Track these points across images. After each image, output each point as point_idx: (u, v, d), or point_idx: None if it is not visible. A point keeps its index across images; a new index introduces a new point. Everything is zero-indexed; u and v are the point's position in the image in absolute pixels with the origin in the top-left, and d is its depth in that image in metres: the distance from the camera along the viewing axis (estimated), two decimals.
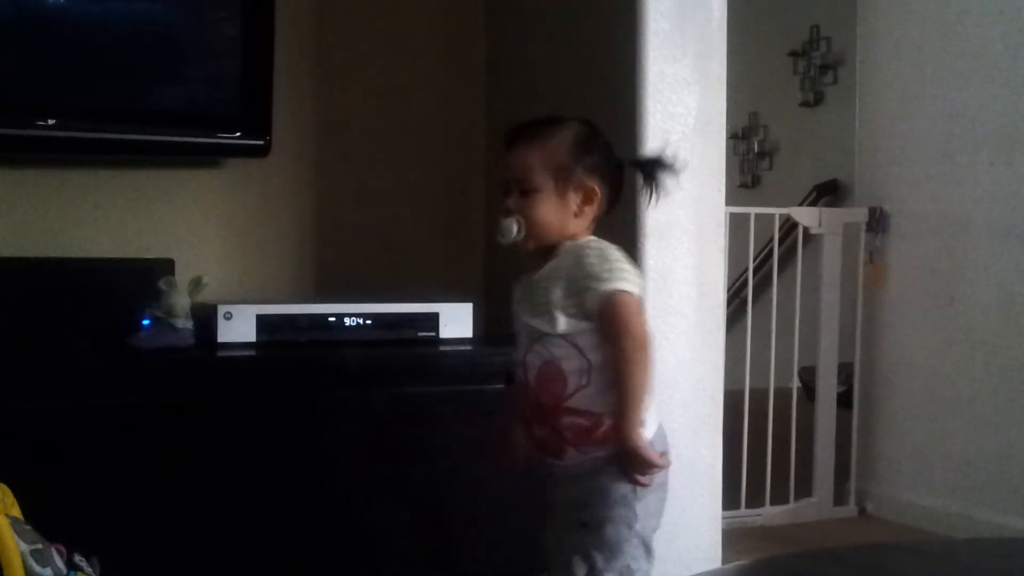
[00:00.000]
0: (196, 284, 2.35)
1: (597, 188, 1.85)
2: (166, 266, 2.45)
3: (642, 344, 1.77)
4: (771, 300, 3.57)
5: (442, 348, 2.43)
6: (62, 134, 2.40)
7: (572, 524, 1.82)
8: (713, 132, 2.48)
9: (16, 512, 1.76)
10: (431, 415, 2.29)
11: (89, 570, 1.85)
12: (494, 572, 2.44)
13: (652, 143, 2.37)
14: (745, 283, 3.61)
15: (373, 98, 2.86)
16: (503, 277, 2.87)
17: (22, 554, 1.71)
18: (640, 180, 1.93)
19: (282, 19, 2.59)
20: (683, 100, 2.43)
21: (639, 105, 2.39)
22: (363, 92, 2.85)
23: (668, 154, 1.92)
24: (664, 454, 1.79)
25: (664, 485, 1.85)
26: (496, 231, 1.86)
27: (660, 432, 1.86)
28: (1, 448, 1.92)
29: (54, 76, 2.41)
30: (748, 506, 3.42)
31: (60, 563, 1.78)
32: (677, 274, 2.43)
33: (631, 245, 2.38)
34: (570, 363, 1.79)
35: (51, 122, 2.38)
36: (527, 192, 1.83)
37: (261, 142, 2.56)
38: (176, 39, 2.54)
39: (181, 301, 2.30)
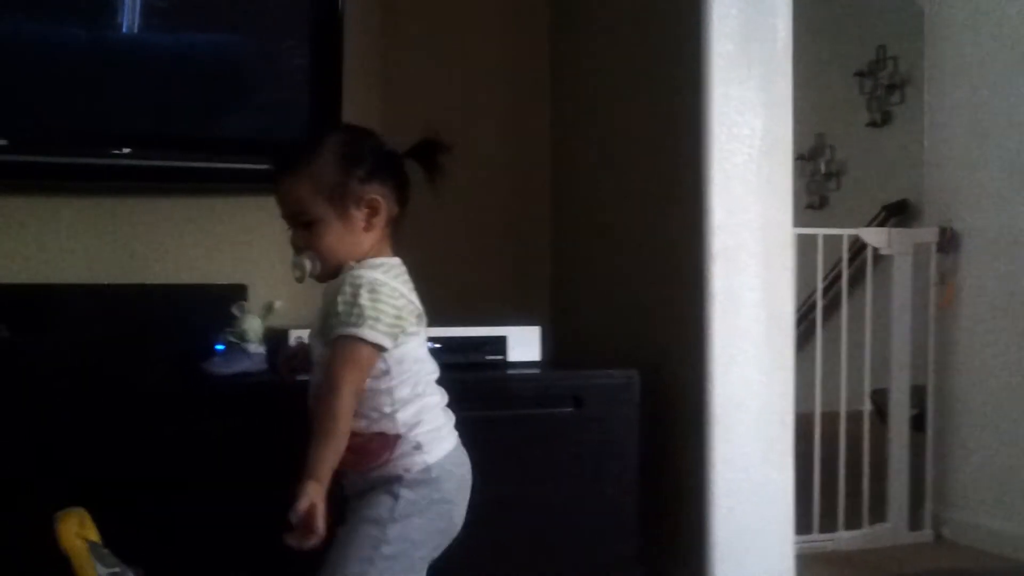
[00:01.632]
0: (268, 309, 2.38)
1: (378, 196, 1.77)
2: (239, 292, 2.49)
3: (339, 403, 1.66)
4: (840, 322, 3.53)
5: (510, 372, 2.43)
6: (135, 163, 2.44)
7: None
8: (779, 153, 2.46)
9: (94, 536, 1.79)
10: (498, 438, 2.29)
11: None
12: None
13: (717, 166, 2.37)
14: (814, 305, 3.57)
15: (439, 121, 2.87)
16: (570, 300, 2.90)
17: None
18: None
19: (349, 46, 2.62)
20: (748, 122, 2.42)
21: (703, 127, 2.38)
22: (429, 115, 2.85)
23: (433, 135, 1.89)
24: (313, 525, 1.61)
25: (441, 515, 1.78)
26: (292, 270, 1.78)
27: (447, 466, 1.78)
28: (80, 472, 1.96)
29: (129, 106, 2.46)
30: (821, 531, 3.37)
31: None
32: (744, 296, 2.41)
33: (697, 268, 2.38)
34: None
35: (125, 151, 2.43)
36: (308, 225, 1.75)
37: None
38: (246, 68, 2.58)
39: (254, 326, 2.33)
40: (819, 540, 3.37)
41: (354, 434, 1.70)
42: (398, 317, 1.72)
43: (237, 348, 2.30)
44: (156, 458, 2.04)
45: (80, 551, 1.75)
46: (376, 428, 1.73)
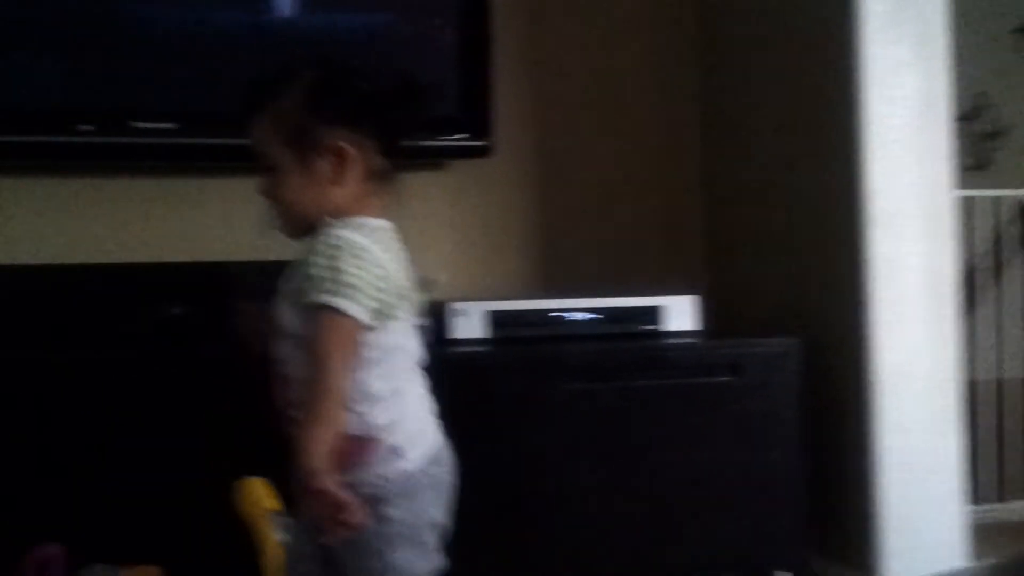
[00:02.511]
0: (429, 283, 2.42)
1: (348, 143, 1.50)
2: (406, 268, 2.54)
3: (330, 376, 1.42)
4: (1008, 286, 3.42)
5: (666, 341, 2.43)
6: None
7: (333, 563, 1.55)
8: (937, 114, 2.40)
9: (275, 505, 1.85)
10: (656, 408, 2.30)
11: None
12: (718, 565, 2.44)
13: (873, 128, 2.32)
14: (976, 268, 3.46)
15: (590, 94, 2.89)
16: (726, 269, 2.87)
17: (279, 545, 1.80)
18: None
19: (499, 21, 2.63)
20: (903, 82, 2.36)
21: (857, 89, 2.33)
22: (580, 89, 2.88)
23: (412, 79, 1.54)
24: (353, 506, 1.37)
25: (427, 529, 1.55)
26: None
27: (430, 470, 1.56)
28: (248, 444, 2.03)
29: None
30: (996, 500, 3.28)
31: None
32: (906, 261, 2.36)
33: (856, 233, 2.33)
34: (295, 368, 1.50)
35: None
36: (269, 170, 1.52)
37: (484, 143, 2.62)
38: (398, 46, 2.61)
39: (417, 300, 2.37)
40: (993, 509, 3.28)
41: None
42: (380, 290, 1.47)
43: None
44: None
45: (258, 518, 1.81)
46: (350, 429, 1.47)
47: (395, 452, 1.51)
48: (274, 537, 1.76)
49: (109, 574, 1.85)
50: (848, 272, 2.37)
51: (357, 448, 1.49)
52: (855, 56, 2.34)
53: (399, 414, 1.53)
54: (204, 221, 2.62)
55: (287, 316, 1.49)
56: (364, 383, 1.48)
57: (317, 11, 2.57)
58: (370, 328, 1.46)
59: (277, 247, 2.51)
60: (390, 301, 1.50)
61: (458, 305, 2.39)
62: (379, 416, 1.51)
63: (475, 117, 2.61)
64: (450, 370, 2.26)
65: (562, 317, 2.43)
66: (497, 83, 2.62)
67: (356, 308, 1.43)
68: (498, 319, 2.40)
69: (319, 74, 1.54)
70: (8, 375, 2.10)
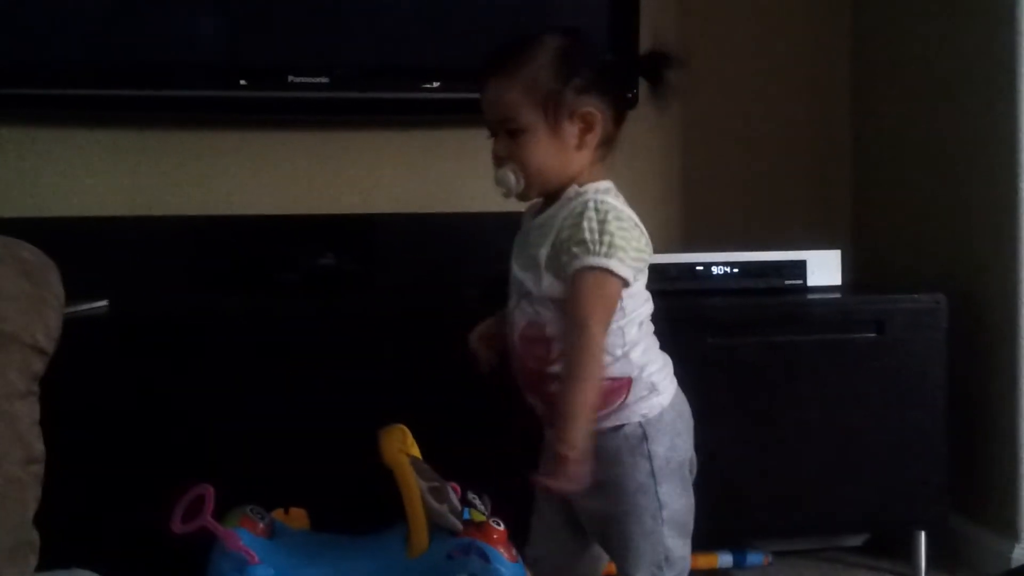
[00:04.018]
0: None
1: (596, 110, 1.57)
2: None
3: (594, 337, 1.50)
4: None
5: (810, 296, 2.41)
6: (443, 96, 2.55)
7: (594, 509, 1.63)
8: None
9: (416, 452, 1.91)
10: (799, 364, 2.29)
11: (481, 507, 1.97)
12: (857, 524, 2.43)
13: None
14: None
15: (737, 45, 2.86)
16: (871, 223, 2.83)
17: (421, 491, 1.86)
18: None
19: None
20: None
21: (1019, 34, 2.25)
22: (726, 39, 2.86)
23: (662, 47, 1.63)
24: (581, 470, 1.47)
25: (685, 463, 1.65)
26: (496, 185, 1.60)
27: (677, 405, 1.64)
28: (400, 391, 2.09)
29: (436, 41, 2.56)
30: None
31: (455, 500, 1.91)
32: None
33: (1010, 187, 2.27)
34: (554, 326, 1.56)
35: (435, 84, 2.54)
36: (514, 133, 1.56)
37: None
38: None
39: None
40: None
41: None
42: (639, 250, 1.55)
43: None
44: (465, 377, 2.15)
45: (403, 465, 1.88)
46: (610, 372, 1.56)
47: (653, 388, 1.61)
48: (417, 481, 1.82)
49: (259, 514, 1.93)
50: (1001, 227, 2.31)
51: (619, 388, 1.59)
52: (1018, 3, 2.26)
53: (649, 354, 1.62)
54: (352, 174, 2.69)
55: (546, 281, 1.55)
56: (622, 328, 1.57)
57: None
58: (631, 284, 1.55)
59: (419, 200, 2.58)
60: (645, 258, 1.59)
61: None
62: (637, 357, 1.60)
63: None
64: None
65: (703, 271, 2.42)
66: (643, 33, 2.62)
67: (624, 269, 1.51)
68: None
69: (566, 41, 1.59)
70: (173, 319, 2.21)
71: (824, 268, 2.47)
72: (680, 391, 1.67)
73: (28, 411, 1.44)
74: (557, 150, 1.57)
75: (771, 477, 2.28)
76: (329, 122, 2.67)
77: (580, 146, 1.58)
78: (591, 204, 1.53)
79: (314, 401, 2.12)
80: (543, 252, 1.55)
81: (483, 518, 1.95)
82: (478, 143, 2.68)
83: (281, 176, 2.66)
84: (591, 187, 1.58)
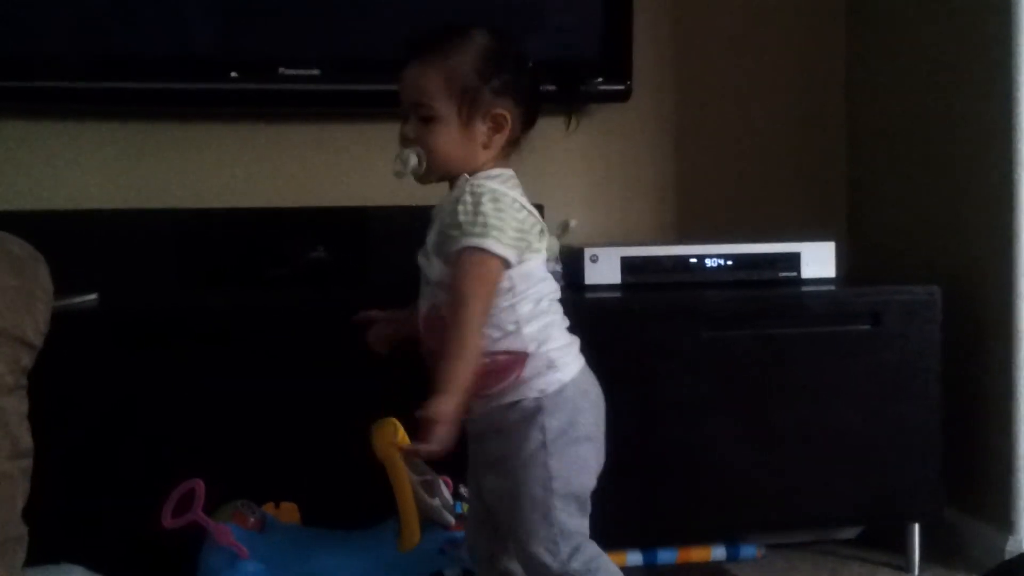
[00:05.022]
0: (564, 227, 2.43)
1: (507, 114, 1.60)
2: (537, 211, 2.55)
3: (471, 314, 1.52)
4: None
5: (804, 288, 2.41)
6: None
7: (494, 488, 1.63)
8: None
9: (407, 444, 1.91)
10: (793, 356, 2.28)
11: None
12: (852, 517, 2.42)
13: None
14: None
15: (730, 37, 2.85)
16: (866, 214, 2.82)
17: (413, 485, 1.85)
18: None
19: None
20: None
21: (1014, 25, 2.24)
22: (720, 31, 2.85)
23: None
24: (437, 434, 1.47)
25: (591, 439, 1.64)
26: (393, 163, 1.62)
27: (581, 383, 1.64)
28: (391, 385, 2.08)
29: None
30: None
31: (447, 494, 1.91)
32: None
33: (1006, 177, 2.26)
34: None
35: None
36: (426, 120, 1.58)
37: (622, 87, 2.61)
38: None
39: (552, 244, 2.39)
40: None
41: (487, 354, 1.58)
42: (521, 230, 1.57)
43: None
44: None
45: (395, 459, 1.87)
46: (501, 346, 1.59)
47: (551, 364, 1.61)
48: (408, 475, 1.82)
49: (250, 509, 1.93)
50: (996, 218, 2.30)
51: (512, 364, 1.59)
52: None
53: (548, 331, 1.62)
54: (344, 166, 2.68)
55: (436, 266, 1.59)
56: (513, 306, 1.59)
57: None
58: (512, 263, 1.56)
59: (415, 193, 2.56)
60: (529, 238, 1.60)
61: (593, 250, 2.40)
62: (533, 333, 1.60)
63: (614, 61, 2.60)
64: (584, 316, 2.28)
65: (697, 263, 2.42)
66: (637, 26, 2.61)
67: (500, 247, 1.53)
68: (633, 265, 2.41)
69: (492, 41, 1.62)
70: (163, 313, 2.20)
71: (818, 260, 2.46)
72: (589, 372, 1.68)
73: (16, 405, 1.44)
74: (464, 144, 1.60)
75: (765, 470, 2.27)
76: (321, 114, 2.66)
77: (487, 145, 1.61)
78: (467, 188, 1.57)
79: (305, 395, 2.11)
80: (431, 239, 1.61)
81: None
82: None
83: (272, 169, 2.65)
84: (481, 175, 1.60)
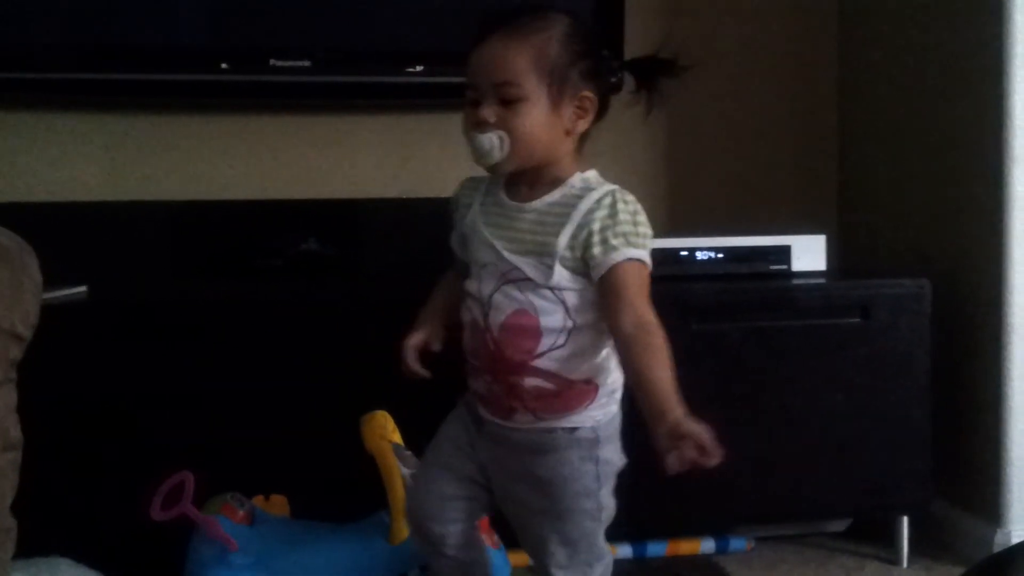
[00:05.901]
0: None
1: (592, 99, 1.54)
2: None
3: (654, 322, 1.46)
4: None
5: (794, 281, 2.41)
6: (427, 80, 2.51)
7: (529, 502, 1.57)
8: None
9: (397, 438, 1.91)
10: (784, 349, 2.28)
11: None
12: (841, 509, 2.43)
13: (1016, 62, 2.23)
14: None
15: (722, 29, 2.85)
16: (857, 207, 2.83)
17: (403, 477, 1.85)
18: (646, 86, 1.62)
19: None
20: None
21: (1002, 22, 2.24)
22: (713, 27, 2.84)
23: (670, 54, 1.62)
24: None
25: (621, 425, 1.60)
26: (470, 149, 1.52)
27: (614, 423, 1.59)
28: (381, 378, 2.08)
29: (421, 25, 2.54)
30: None
31: None
32: None
33: (996, 172, 2.26)
34: (551, 319, 1.50)
35: (419, 68, 2.50)
36: (511, 101, 1.48)
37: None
38: None
39: None
40: None
41: (561, 378, 1.52)
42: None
43: None
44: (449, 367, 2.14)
45: (385, 451, 1.87)
46: (583, 372, 1.53)
47: (612, 395, 1.57)
48: (399, 468, 1.82)
49: (239, 501, 1.92)
50: (986, 212, 2.31)
51: (588, 392, 1.55)
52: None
53: (615, 360, 1.56)
54: (335, 158, 2.68)
55: (558, 271, 1.49)
56: (607, 332, 1.52)
57: None
58: None
59: (406, 185, 2.56)
60: None
61: None
62: (611, 363, 1.56)
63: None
64: None
65: (687, 256, 2.42)
66: (629, 20, 2.60)
67: (649, 262, 1.50)
68: None
69: (575, 22, 1.54)
70: (153, 306, 2.19)
71: (809, 253, 2.46)
72: (617, 418, 1.62)
73: (5, 398, 1.43)
74: (551, 127, 1.51)
75: (754, 462, 2.28)
76: (312, 106, 2.65)
77: (570, 131, 1.54)
78: (618, 196, 1.51)
79: (296, 387, 2.11)
80: (557, 241, 1.49)
81: None
82: (456, 128, 2.69)
83: (263, 161, 2.64)
84: (593, 176, 1.56)
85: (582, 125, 1.54)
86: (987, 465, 2.33)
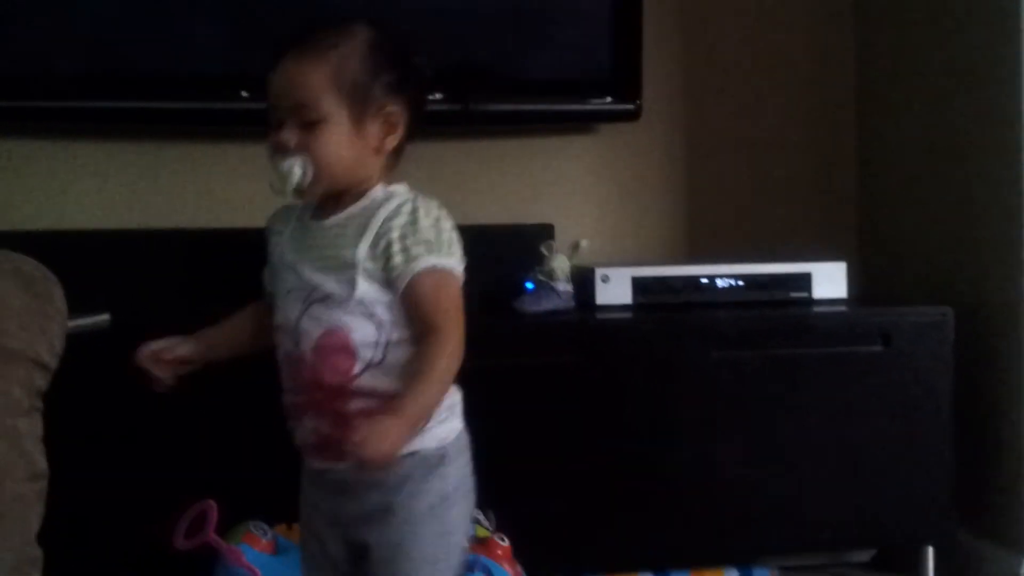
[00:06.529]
0: (575, 248, 2.44)
1: (401, 113, 1.46)
2: (547, 231, 2.56)
3: (455, 337, 1.39)
4: None
5: (815, 309, 2.40)
6: (444, 108, 2.52)
7: (372, 547, 1.45)
8: None
9: None
10: (805, 377, 2.28)
11: (485, 522, 1.97)
12: (863, 539, 2.41)
13: None
14: None
15: (740, 57, 2.85)
16: (878, 235, 2.82)
17: None
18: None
19: None
20: None
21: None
22: (730, 51, 2.85)
23: (480, 63, 1.55)
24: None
25: (473, 491, 1.52)
26: (270, 178, 1.43)
27: (461, 439, 1.51)
28: None
29: (439, 50, 2.54)
30: None
31: None
32: None
33: (1019, 199, 2.26)
34: (363, 335, 1.41)
35: (437, 96, 2.51)
36: (311, 124, 1.40)
37: (632, 107, 2.61)
38: (546, 8, 2.61)
39: (561, 265, 2.39)
40: None
41: (387, 396, 1.39)
42: (461, 258, 1.46)
43: (546, 286, 2.37)
44: (469, 392, 2.14)
45: None
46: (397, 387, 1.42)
47: (451, 410, 1.49)
48: None
49: (262, 530, 1.92)
50: (1008, 239, 2.30)
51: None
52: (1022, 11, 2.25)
53: None
54: None
55: (362, 284, 1.41)
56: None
57: None
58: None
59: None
60: None
61: (604, 270, 2.40)
62: None
63: (623, 81, 2.60)
64: (595, 336, 2.29)
65: (708, 283, 2.42)
66: (646, 46, 2.61)
67: (460, 270, 1.44)
68: (644, 285, 2.41)
69: (378, 35, 1.47)
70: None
71: (830, 280, 2.46)
72: (464, 435, 1.54)
73: (31, 427, 1.43)
74: (355, 147, 1.44)
75: (777, 491, 2.27)
76: None
77: (379, 149, 1.46)
78: (419, 203, 1.44)
79: None
80: (357, 254, 1.42)
81: (487, 534, 1.94)
82: (480, 153, 2.70)
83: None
84: (400, 187, 1.48)
85: (391, 141, 1.47)
86: (1012, 494, 2.32)
